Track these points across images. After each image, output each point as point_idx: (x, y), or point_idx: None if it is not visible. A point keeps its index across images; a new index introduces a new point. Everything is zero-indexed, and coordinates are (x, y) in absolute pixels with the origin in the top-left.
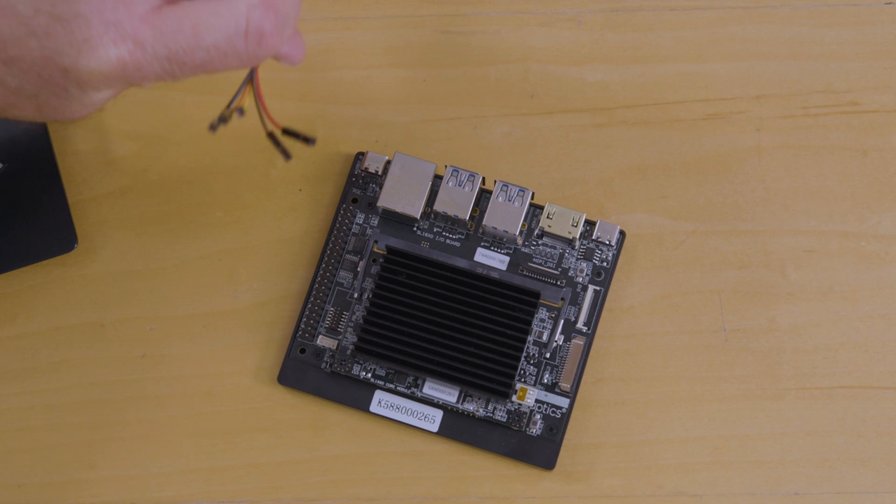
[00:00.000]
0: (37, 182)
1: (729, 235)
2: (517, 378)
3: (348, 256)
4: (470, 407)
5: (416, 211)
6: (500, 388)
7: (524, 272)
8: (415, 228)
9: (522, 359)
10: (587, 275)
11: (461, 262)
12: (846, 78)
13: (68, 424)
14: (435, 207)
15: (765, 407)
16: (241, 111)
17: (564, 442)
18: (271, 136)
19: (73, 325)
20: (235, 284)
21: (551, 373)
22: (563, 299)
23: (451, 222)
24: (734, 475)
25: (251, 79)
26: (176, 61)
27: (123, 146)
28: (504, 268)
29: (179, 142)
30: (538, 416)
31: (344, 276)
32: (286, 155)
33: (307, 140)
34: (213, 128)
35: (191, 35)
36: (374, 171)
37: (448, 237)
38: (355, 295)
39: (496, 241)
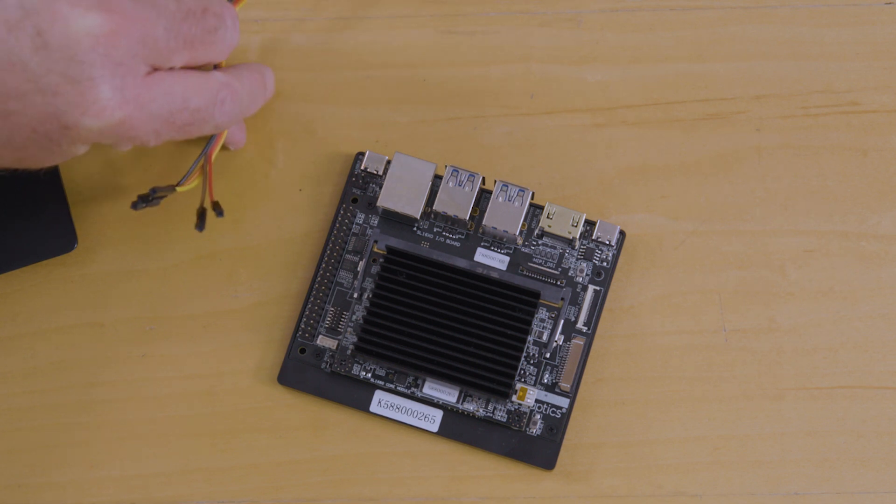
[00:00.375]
0: (37, 182)
1: (729, 235)
2: (517, 378)
3: (348, 256)
4: (470, 407)
5: (416, 211)
6: (500, 388)
7: (524, 272)
8: (415, 228)
9: (522, 359)
10: (587, 275)
11: (461, 262)
12: (846, 78)
13: (68, 424)
14: (435, 207)
15: (765, 407)
16: (219, 211)
17: (564, 442)
18: (201, 209)
19: (73, 325)
20: (235, 284)
21: (551, 373)
22: (563, 299)
23: (451, 222)
24: (734, 475)
25: (206, 161)
26: (166, 121)
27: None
28: (504, 268)
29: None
30: (538, 416)
31: (344, 276)
32: (200, 225)
33: (217, 211)
34: (134, 206)
35: (180, 98)
36: (374, 171)
37: (448, 237)
38: (355, 295)
39: (496, 241)
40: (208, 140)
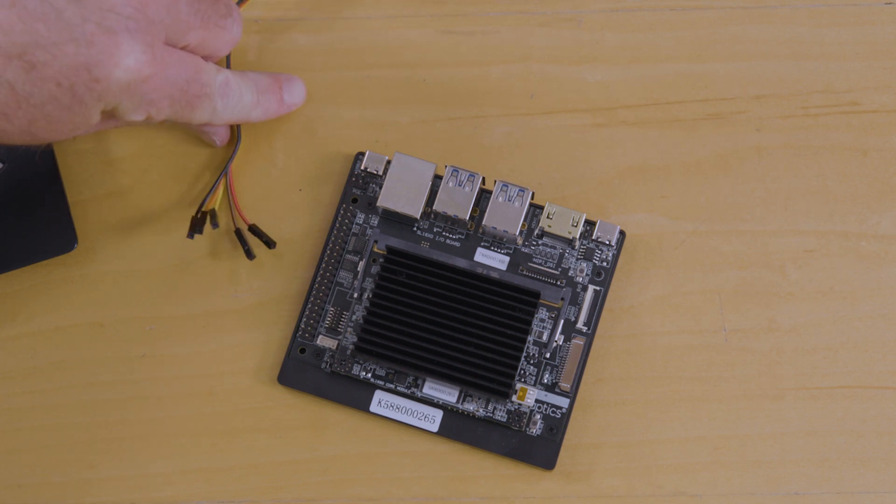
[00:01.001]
0: (37, 182)
1: (729, 235)
2: (517, 378)
3: (348, 256)
4: (470, 407)
5: (416, 211)
6: (500, 388)
7: (524, 272)
8: (415, 228)
9: (522, 359)
10: (587, 275)
11: (461, 262)
12: (846, 78)
13: (68, 424)
14: (435, 207)
15: (765, 407)
16: (214, 223)
17: (564, 442)
18: (238, 232)
19: (73, 325)
20: (235, 284)
21: (551, 373)
22: (563, 299)
23: (451, 222)
24: (734, 475)
25: (225, 175)
26: (181, 88)
27: (123, 146)
28: (504, 268)
29: (178, 142)
30: (538, 416)
31: (344, 276)
32: (249, 254)
33: (269, 244)
34: (191, 236)
35: (193, 69)
36: (374, 171)
37: (448, 237)
38: (355, 295)
39: (496, 241)
40: (228, 157)
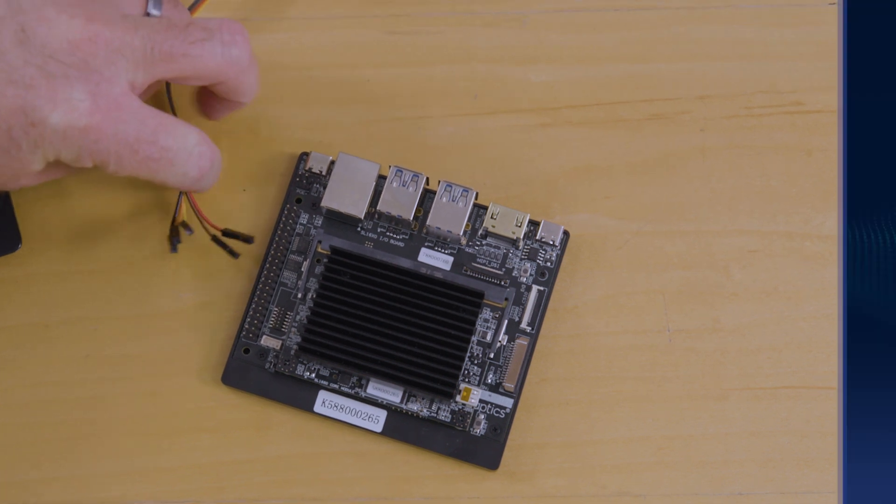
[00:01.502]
0: None
1: (673, 236)
2: (461, 378)
3: (292, 257)
4: (414, 407)
5: (360, 211)
6: (444, 389)
7: (468, 272)
8: (359, 229)
9: (466, 359)
10: (531, 275)
11: (405, 263)
12: (790, 78)
13: (12, 425)
14: (379, 208)
15: (709, 407)
16: (188, 229)
17: (508, 442)
18: (214, 238)
19: (17, 325)
20: (180, 285)
21: (495, 373)
22: (506, 299)
23: (395, 222)
24: (678, 475)
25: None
26: (131, 148)
27: None
28: (448, 268)
29: None
30: (482, 417)
31: (288, 276)
32: (233, 254)
33: (246, 240)
34: (174, 249)
35: (151, 130)
36: (318, 172)
37: (392, 237)
38: (299, 295)
39: (440, 242)
40: None
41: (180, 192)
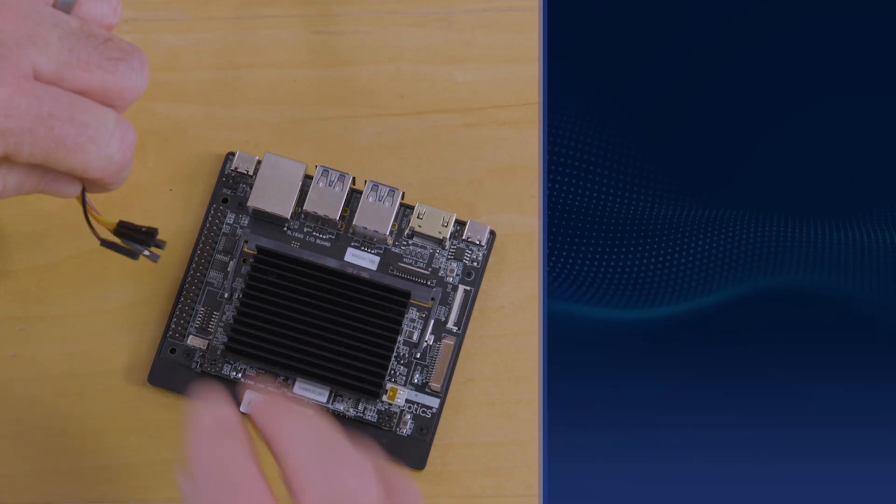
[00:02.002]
0: None
1: None
2: (387, 378)
3: (219, 256)
4: (340, 407)
5: (287, 211)
6: (371, 388)
7: (394, 272)
8: (285, 228)
9: (393, 359)
10: (457, 275)
11: (331, 262)
12: None
13: None
14: (305, 207)
15: None
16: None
17: (435, 442)
18: (104, 243)
19: None
20: (106, 284)
21: (422, 373)
22: (433, 299)
23: (322, 222)
24: None
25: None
26: (45, 123)
27: None
28: (374, 268)
29: None
30: (408, 416)
31: (214, 276)
32: (133, 255)
33: (150, 232)
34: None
35: (66, 105)
36: (244, 171)
37: (318, 237)
38: (226, 295)
39: (366, 241)
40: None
41: (83, 189)
